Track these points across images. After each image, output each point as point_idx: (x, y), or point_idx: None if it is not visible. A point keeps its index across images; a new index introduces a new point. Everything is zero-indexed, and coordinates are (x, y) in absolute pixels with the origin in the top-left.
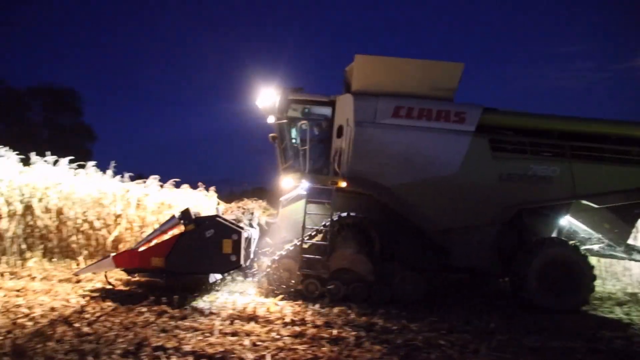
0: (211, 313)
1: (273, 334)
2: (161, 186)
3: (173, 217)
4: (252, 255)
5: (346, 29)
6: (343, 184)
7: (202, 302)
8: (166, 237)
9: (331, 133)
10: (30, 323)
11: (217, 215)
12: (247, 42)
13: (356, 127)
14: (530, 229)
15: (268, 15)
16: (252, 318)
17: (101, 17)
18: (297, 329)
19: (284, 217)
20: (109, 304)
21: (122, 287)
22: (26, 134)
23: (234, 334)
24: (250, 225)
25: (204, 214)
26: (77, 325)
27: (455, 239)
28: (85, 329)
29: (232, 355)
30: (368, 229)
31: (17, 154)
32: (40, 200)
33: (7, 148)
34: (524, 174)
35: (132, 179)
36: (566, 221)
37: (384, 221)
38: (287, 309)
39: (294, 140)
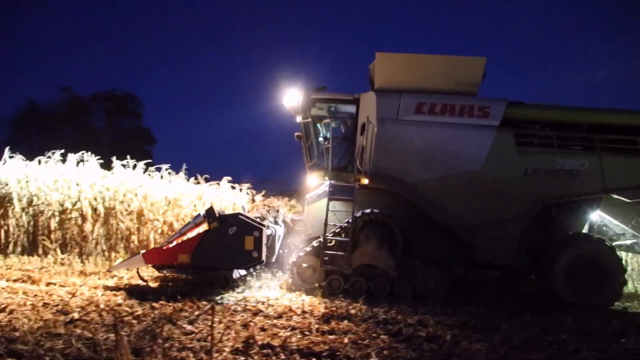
0: (303, 312)
1: (370, 332)
2: (233, 187)
3: (198, 215)
4: (277, 252)
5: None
6: (365, 181)
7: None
8: (192, 234)
9: (356, 131)
10: (135, 321)
11: (239, 213)
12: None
13: (379, 124)
14: (558, 224)
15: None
16: (346, 317)
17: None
18: (391, 327)
19: (309, 215)
20: (203, 303)
21: (156, 284)
22: (90, 139)
23: (331, 332)
24: (276, 223)
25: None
26: (180, 323)
27: (480, 235)
28: (189, 327)
29: (338, 354)
30: (390, 226)
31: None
32: (121, 202)
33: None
34: (551, 169)
35: (207, 180)
36: (597, 216)
37: (407, 218)
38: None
39: (319, 139)
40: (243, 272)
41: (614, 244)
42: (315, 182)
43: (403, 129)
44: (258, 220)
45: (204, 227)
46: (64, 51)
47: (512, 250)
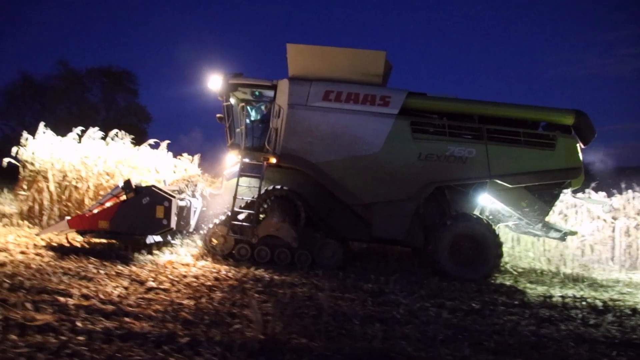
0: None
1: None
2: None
3: (117, 186)
4: (194, 222)
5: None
6: (273, 160)
7: None
8: (110, 203)
9: (272, 114)
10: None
11: (153, 185)
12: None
13: (289, 108)
14: (451, 204)
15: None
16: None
17: None
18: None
19: (226, 190)
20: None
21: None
22: (85, 114)
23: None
24: (193, 196)
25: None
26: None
27: (377, 213)
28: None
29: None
30: (294, 201)
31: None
32: None
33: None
34: (442, 155)
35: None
36: (488, 199)
37: (313, 194)
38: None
39: (238, 121)
40: (158, 238)
41: (502, 224)
42: (234, 161)
43: (311, 114)
44: (170, 192)
45: (121, 197)
46: (60, 24)
47: (405, 227)
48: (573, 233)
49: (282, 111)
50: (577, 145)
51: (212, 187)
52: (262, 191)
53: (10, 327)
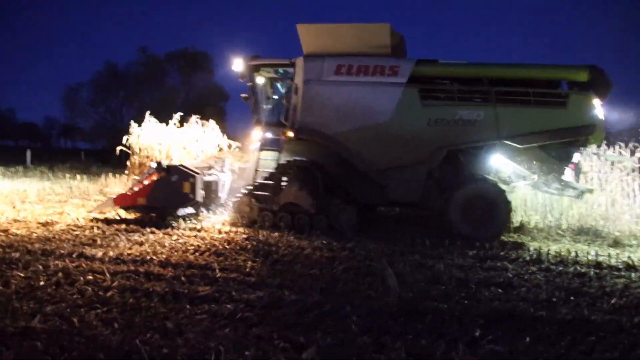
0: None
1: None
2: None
3: (151, 167)
4: (223, 195)
5: None
6: (291, 134)
7: None
8: (146, 182)
9: (292, 91)
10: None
11: (181, 165)
12: None
13: (305, 84)
14: (466, 166)
15: None
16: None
17: None
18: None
19: (252, 163)
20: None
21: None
22: (166, 97)
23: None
24: (222, 171)
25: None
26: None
27: (391, 178)
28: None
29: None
30: (312, 170)
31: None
32: None
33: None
34: (451, 119)
35: None
36: (502, 160)
37: (331, 163)
38: None
39: (261, 98)
40: (190, 210)
41: (513, 184)
42: (259, 136)
43: (325, 88)
44: (194, 169)
45: (155, 177)
46: (140, 12)
47: (419, 191)
48: (590, 191)
49: (298, 87)
50: (593, 101)
51: (241, 162)
52: (283, 163)
53: (181, 297)
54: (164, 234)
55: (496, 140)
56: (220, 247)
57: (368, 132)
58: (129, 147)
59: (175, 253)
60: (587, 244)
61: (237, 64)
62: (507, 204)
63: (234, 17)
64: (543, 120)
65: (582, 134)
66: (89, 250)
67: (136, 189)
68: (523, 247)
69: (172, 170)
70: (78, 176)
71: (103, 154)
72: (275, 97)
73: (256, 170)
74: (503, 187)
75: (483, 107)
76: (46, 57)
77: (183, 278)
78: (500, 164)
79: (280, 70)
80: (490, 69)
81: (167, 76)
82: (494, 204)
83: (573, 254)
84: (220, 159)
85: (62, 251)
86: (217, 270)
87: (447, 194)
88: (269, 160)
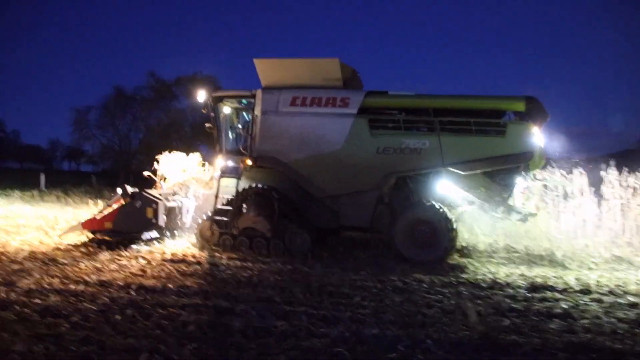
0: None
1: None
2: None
3: (117, 193)
4: (187, 219)
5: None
6: (249, 162)
7: None
8: (113, 207)
9: (252, 121)
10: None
11: (144, 191)
12: None
13: (262, 115)
14: (414, 192)
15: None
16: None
17: None
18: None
19: (214, 189)
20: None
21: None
22: (174, 120)
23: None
24: (186, 197)
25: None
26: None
27: (343, 203)
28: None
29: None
30: (269, 196)
31: None
32: None
33: None
34: (398, 147)
35: None
36: (449, 186)
37: (287, 189)
38: None
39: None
40: (155, 235)
41: (461, 209)
42: (220, 164)
43: (281, 118)
44: (157, 196)
45: (121, 202)
46: (148, 39)
47: (369, 216)
48: (533, 215)
49: (257, 118)
50: (530, 129)
51: (205, 188)
52: (241, 189)
53: (262, 332)
54: (211, 265)
55: (441, 167)
56: (272, 279)
57: (321, 160)
58: (155, 173)
59: (231, 284)
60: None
61: (201, 96)
62: (451, 227)
63: (242, 43)
64: (483, 148)
65: (520, 160)
66: (145, 281)
67: (105, 212)
68: (559, 277)
69: (136, 196)
70: (100, 202)
71: (112, 178)
72: (237, 126)
73: (217, 197)
74: (447, 211)
75: (428, 136)
76: (51, 81)
77: (253, 312)
78: (447, 190)
79: (244, 101)
80: (434, 100)
81: (175, 100)
82: (437, 228)
83: (609, 282)
84: (185, 185)
85: (120, 282)
86: (283, 304)
87: (394, 218)
88: (229, 187)
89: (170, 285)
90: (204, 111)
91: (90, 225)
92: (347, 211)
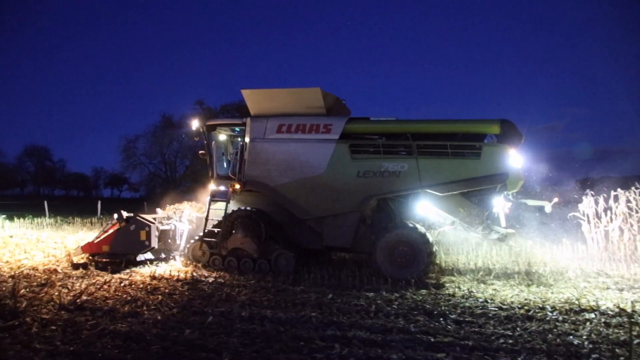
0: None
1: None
2: None
3: (113, 218)
4: (181, 242)
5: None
6: (237, 186)
7: None
8: (110, 232)
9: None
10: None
11: (137, 215)
12: None
13: (250, 142)
14: (396, 213)
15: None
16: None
17: None
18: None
19: (205, 212)
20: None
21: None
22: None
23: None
24: (180, 221)
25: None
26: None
27: (326, 224)
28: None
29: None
30: (256, 219)
31: None
32: None
33: None
34: (377, 171)
35: None
36: (428, 207)
37: (273, 212)
38: None
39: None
40: (149, 256)
41: (440, 228)
42: (211, 188)
43: (268, 145)
44: (150, 219)
45: (116, 226)
46: (196, 68)
47: (351, 236)
48: (512, 234)
49: (245, 145)
50: (505, 151)
51: (199, 212)
52: (230, 212)
53: None
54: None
55: (419, 189)
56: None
57: (305, 183)
58: None
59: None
60: None
61: (195, 124)
62: (428, 247)
63: (284, 71)
64: (459, 170)
65: (496, 181)
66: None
67: (102, 237)
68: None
69: (130, 220)
70: None
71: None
72: (228, 153)
73: (207, 219)
74: (426, 232)
75: (406, 159)
76: (96, 110)
77: None
78: (427, 211)
79: (237, 129)
80: (412, 125)
81: None
82: (415, 247)
83: None
84: (179, 209)
85: (243, 313)
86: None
87: (373, 238)
88: (219, 210)
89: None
90: (196, 139)
91: (89, 248)
92: (330, 232)
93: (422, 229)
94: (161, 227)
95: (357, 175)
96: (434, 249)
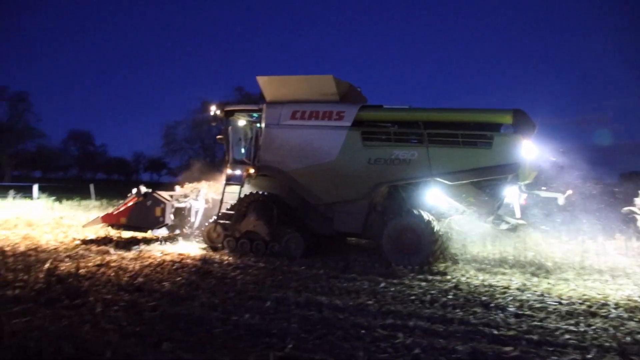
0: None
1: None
2: None
3: (131, 192)
4: (195, 220)
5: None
6: (252, 171)
7: None
8: (128, 205)
9: (259, 133)
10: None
11: (154, 191)
12: None
13: (266, 128)
14: (405, 200)
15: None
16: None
17: None
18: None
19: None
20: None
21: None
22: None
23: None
24: (196, 199)
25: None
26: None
27: (337, 210)
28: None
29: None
30: (269, 203)
31: None
32: None
33: None
34: (388, 158)
35: None
36: (438, 195)
37: (286, 197)
38: None
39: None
40: (164, 232)
41: (450, 217)
42: (227, 172)
43: (282, 131)
44: (167, 197)
45: (134, 200)
46: (235, 54)
47: (361, 222)
48: (522, 224)
49: (260, 130)
50: (517, 142)
51: (216, 193)
52: (244, 196)
53: None
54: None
55: (429, 177)
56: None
57: (317, 169)
58: None
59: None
60: None
61: (213, 109)
62: (433, 235)
63: (329, 54)
64: (470, 159)
65: (507, 171)
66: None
67: (121, 209)
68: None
69: (147, 195)
70: None
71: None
72: (244, 138)
73: (222, 202)
74: (433, 220)
75: (417, 147)
76: (137, 96)
77: None
78: (437, 199)
79: (254, 114)
80: (424, 113)
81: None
82: (420, 235)
83: None
84: (197, 188)
85: (299, 299)
86: None
87: (380, 225)
88: (234, 194)
89: None
90: (213, 124)
91: (108, 219)
92: (341, 218)
93: (428, 217)
94: (177, 205)
95: (368, 162)
96: (440, 238)
